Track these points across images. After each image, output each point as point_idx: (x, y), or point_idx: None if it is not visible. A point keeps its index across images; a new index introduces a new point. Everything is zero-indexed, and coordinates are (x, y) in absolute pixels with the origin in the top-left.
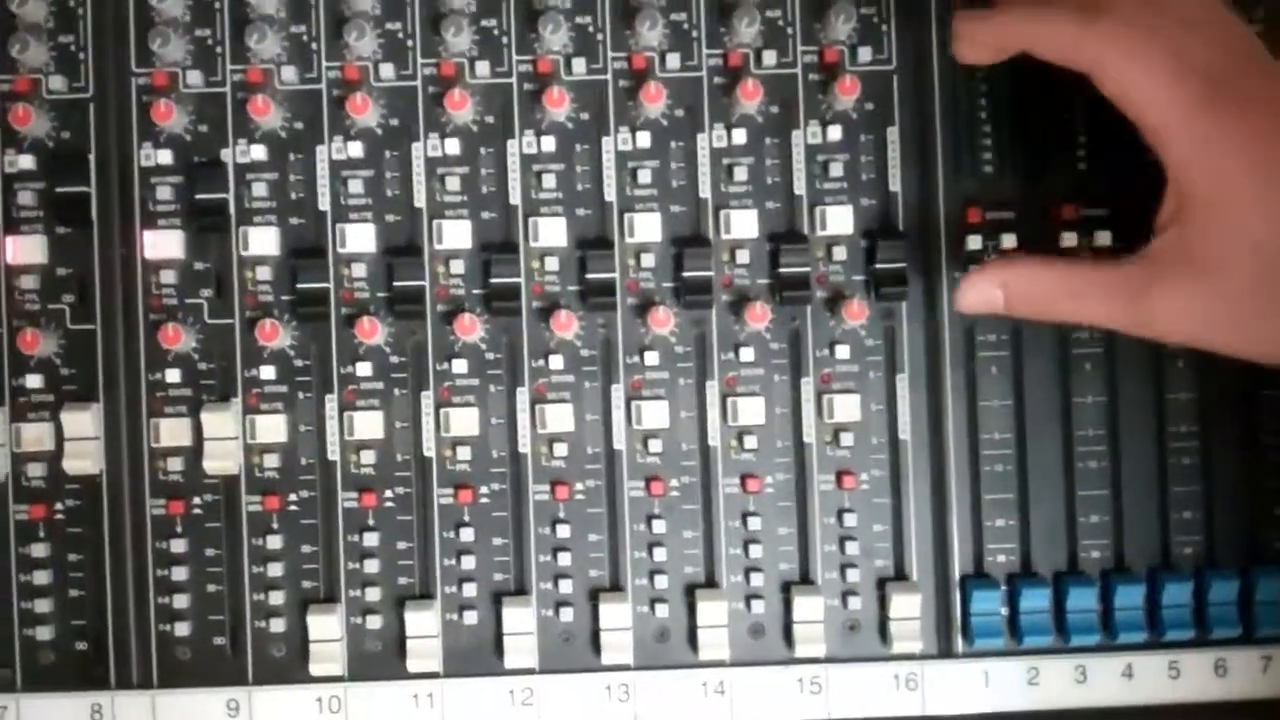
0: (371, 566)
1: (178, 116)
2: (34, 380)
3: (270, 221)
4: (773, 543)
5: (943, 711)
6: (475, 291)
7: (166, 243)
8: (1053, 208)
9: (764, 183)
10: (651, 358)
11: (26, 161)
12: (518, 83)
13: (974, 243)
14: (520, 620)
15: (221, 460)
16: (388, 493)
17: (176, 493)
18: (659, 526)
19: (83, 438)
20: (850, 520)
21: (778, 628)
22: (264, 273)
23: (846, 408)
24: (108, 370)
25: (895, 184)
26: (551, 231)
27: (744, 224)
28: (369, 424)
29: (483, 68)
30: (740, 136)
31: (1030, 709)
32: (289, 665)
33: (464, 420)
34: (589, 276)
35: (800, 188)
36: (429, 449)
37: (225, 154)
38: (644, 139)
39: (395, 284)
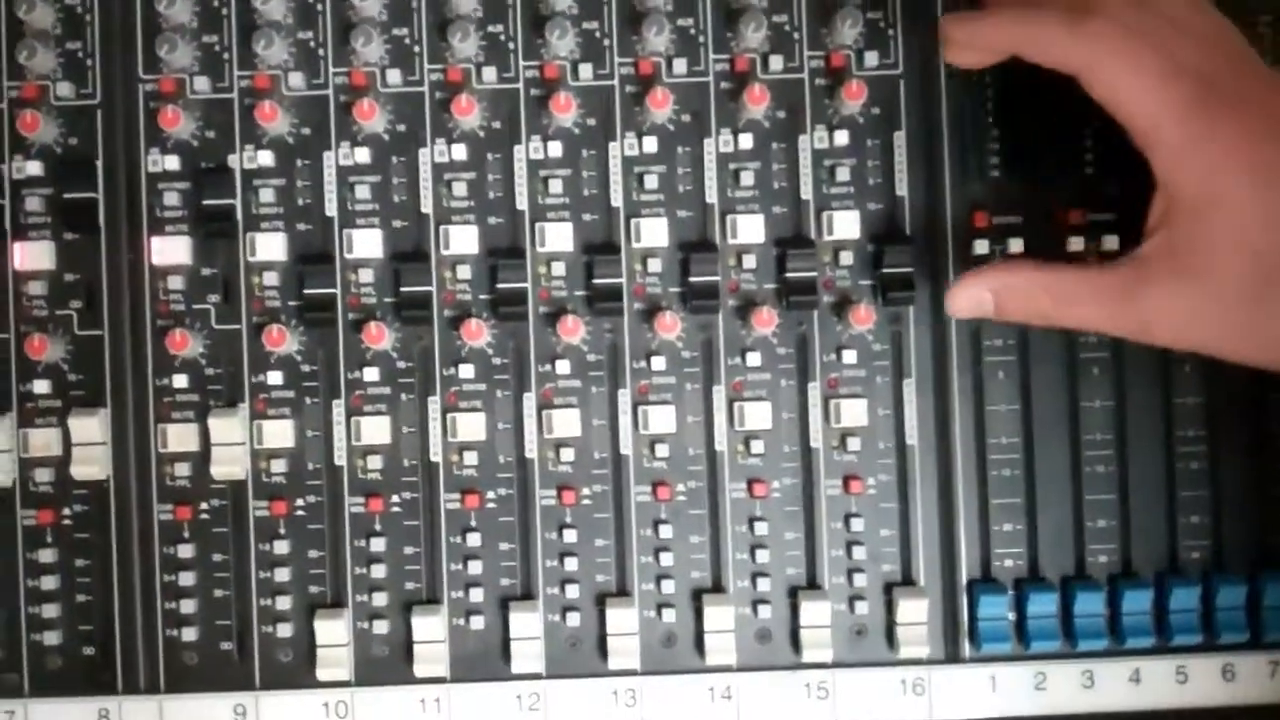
0: (378, 571)
1: (185, 122)
2: (41, 386)
3: (277, 227)
4: (780, 547)
5: (950, 716)
6: (483, 297)
7: (174, 248)
8: (1059, 212)
9: (770, 188)
10: (658, 363)
11: (34, 168)
12: (524, 88)
13: (981, 247)
14: (527, 625)
15: (229, 465)
16: (394, 498)
17: (184, 498)
18: (665, 531)
19: (90, 443)
20: (857, 525)
21: (785, 633)
22: (271, 278)
23: (853, 412)
24: (115, 376)
25: (902, 188)
26: (558, 237)
27: (751, 229)
28: (376, 429)
29: (489, 73)
30: (747, 141)
31: (1038, 714)
32: (296, 670)
33: (471, 425)
34: (596, 282)
35: (807, 193)
36: (436, 454)
37: (232, 160)
38: (650, 144)
39: (402, 289)
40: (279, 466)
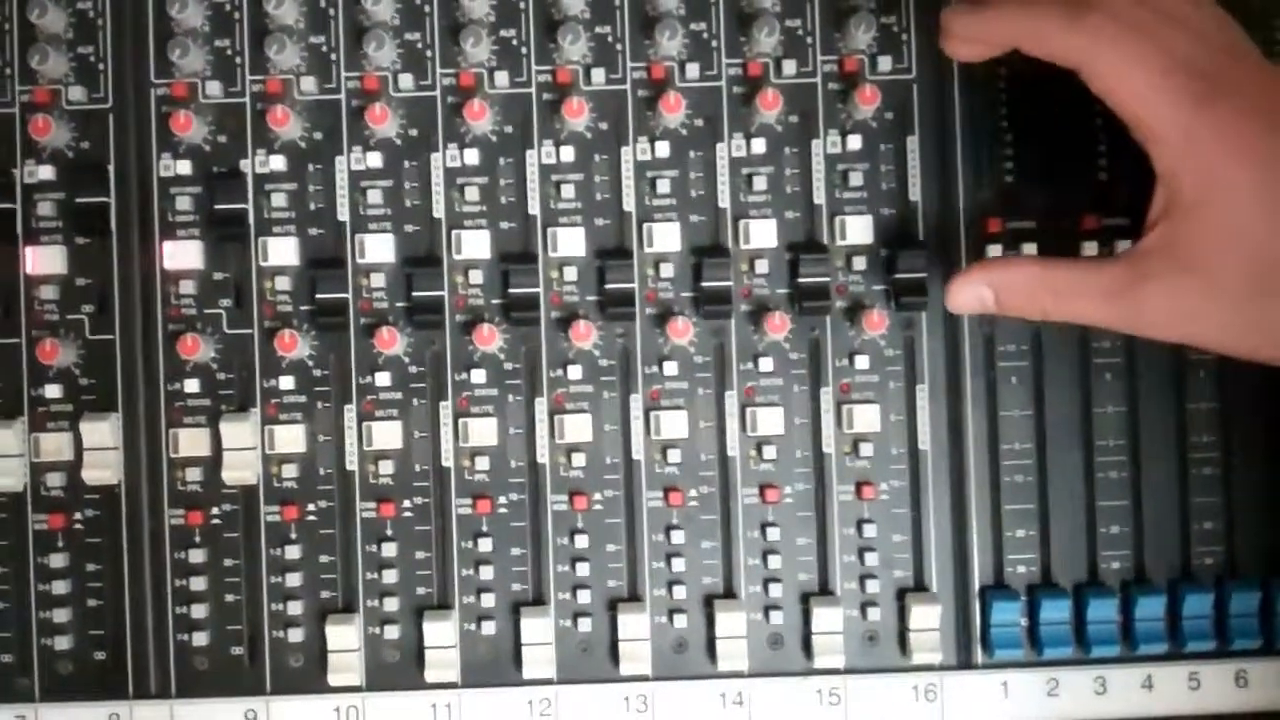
0: (390, 576)
1: (197, 127)
2: (53, 390)
3: (289, 232)
4: (792, 553)
5: None
6: (494, 301)
7: (185, 253)
8: (1073, 217)
9: (783, 192)
10: (670, 368)
11: (46, 172)
12: (537, 93)
13: (994, 252)
14: (539, 630)
15: (240, 470)
16: (406, 503)
17: (195, 503)
18: (678, 537)
19: (102, 448)
20: (870, 531)
21: (797, 638)
22: (283, 283)
23: (866, 418)
24: (127, 380)
25: (915, 193)
26: (570, 241)
27: (763, 234)
28: (387, 434)
29: (502, 78)
30: (760, 146)
31: None
32: (307, 675)
33: (482, 430)
34: (608, 286)
35: (820, 197)
36: (447, 459)
37: (244, 164)
38: (663, 149)
39: (414, 294)
40: (290, 471)
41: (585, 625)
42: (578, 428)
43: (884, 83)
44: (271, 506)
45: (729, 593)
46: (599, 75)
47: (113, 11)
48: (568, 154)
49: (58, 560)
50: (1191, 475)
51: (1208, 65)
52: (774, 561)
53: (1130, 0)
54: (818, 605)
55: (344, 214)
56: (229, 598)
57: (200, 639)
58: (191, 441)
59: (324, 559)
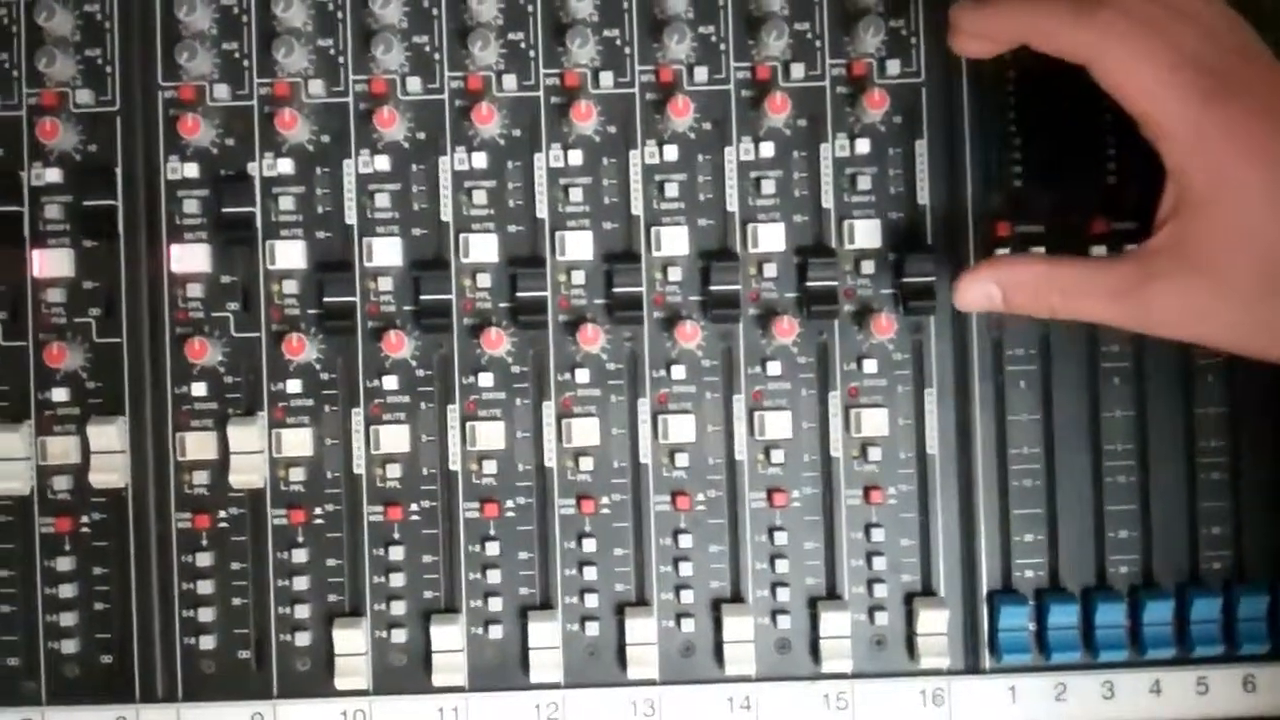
0: (397, 580)
1: (205, 130)
2: (60, 394)
3: (297, 235)
4: (799, 557)
5: None
6: (502, 305)
7: (193, 256)
8: (1082, 221)
9: (792, 196)
10: (678, 371)
11: (53, 175)
12: (544, 96)
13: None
14: (546, 634)
15: (247, 474)
16: (413, 506)
17: (202, 506)
18: (685, 541)
19: (109, 451)
20: (877, 535)
21: (804, 643)
22: (290, 286)
23: (874, 422)
24: (134, 384)
25: (924, 197)
26: (579, 245)
27: (771, 238)
28: (395, 438)
29: (510, 81)
30: (768, 150)
31: None
32: (314, 679)
33: (490, 434)
34: (616, 290)
35: (828, 201)
36: (455, 463)
37: (252, 167)
38: (671, 152)
39: (422, 298)
40: (297, 475)
41: (593, 629)
42: (585, 431)
43: (892, 86)
44: (279, 510)
45: (736, 597)
46: (607, 78)
47: (120, 14)
48: (576, 157)
49: (64, 563)
50: (1200, 479)
51: (1217, 63)
52: (781, 565)
53: None
54: (825, 609)
55: (352, 217)
56: (236, 601)
57: (207, 642)
58: (198, 445)
59: (331, 562)
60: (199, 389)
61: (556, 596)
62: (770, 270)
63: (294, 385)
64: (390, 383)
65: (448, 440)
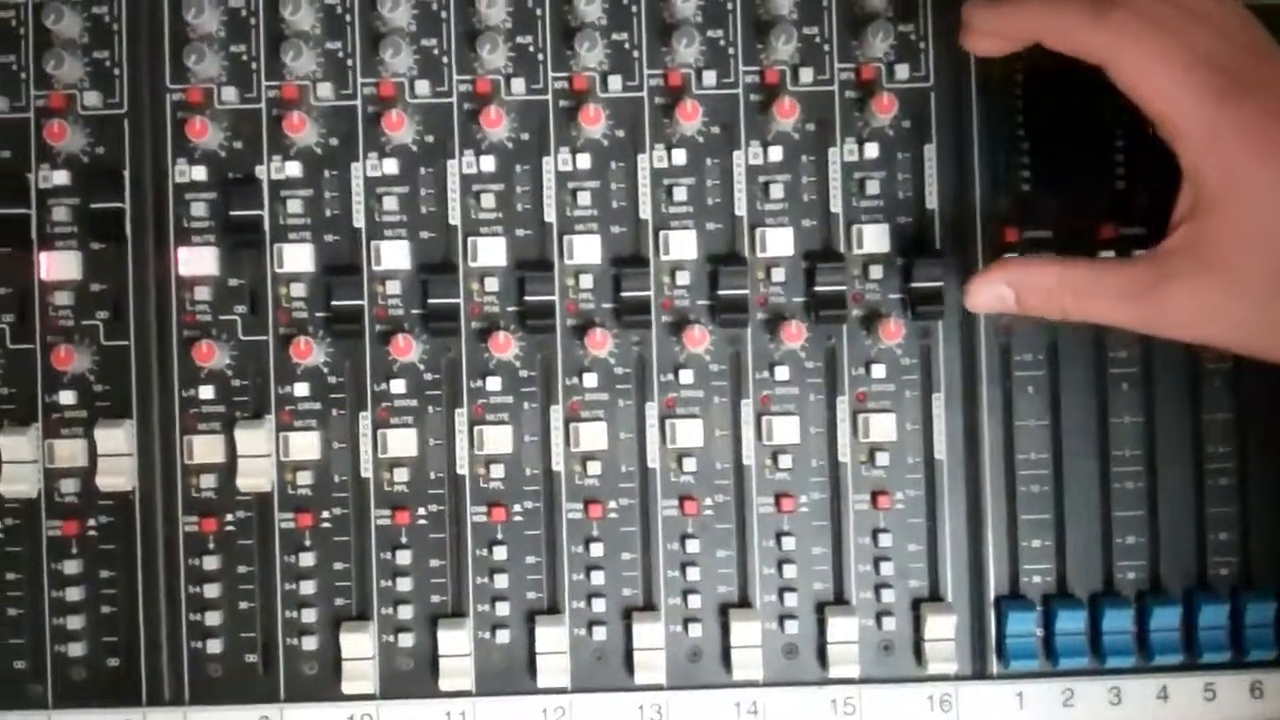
0: (404, 584)
1: (212, 133)
2: (67, 396)
3: (305, 238)
4: (807, 562)
5: None
6: (509, 309)
7: (201, 259)
8: (1090, 226)
9: (800, 200)
10: (686, 376)
11: (61, 177)
12: (553, 100)
13: None
14: (553, 639)
15: (254, 477)
16: (420, 510)
17: (209, 510)
18: (692, 546)
19: (116, 454)
20: (885, 540)
21: (812, 648)
22: (298, 289)
23: (882, 427)
24: (141, 387)
25: (932, 202)
26: (586, 249)
27: (779, 242)
28: (402, 441)
29: (518, 85)
30: (776, 154)
31: None
32: (321, 683)
33: (498, 438)
34: (623, 294)
35: (836, 206)
36: (462, 467)
37: (260, 170)
38: (680, 156)
39: (430, 301)
40: (305, 478)
41: (600, 634)
42: (593, 436)
43: (901, 91)
44: (286, 513)
45: (744, 602)
46: (615, 82)
47: (128, 17)
48: (584, 161)
49: (71, 567)
50: (1207, 485)
51: (1230, 61)
52: (789, 571)
53: None
54: (833, 615)
55: (359, 220)
56: (243, 605)
57: (214, 646)
58: (206, 448)
59: (338, 566)
60: (206, 392)
61: (564, 601)
62: (778, 275)
63: (302, 388)
64: (398, 386)
65: (455, 444)
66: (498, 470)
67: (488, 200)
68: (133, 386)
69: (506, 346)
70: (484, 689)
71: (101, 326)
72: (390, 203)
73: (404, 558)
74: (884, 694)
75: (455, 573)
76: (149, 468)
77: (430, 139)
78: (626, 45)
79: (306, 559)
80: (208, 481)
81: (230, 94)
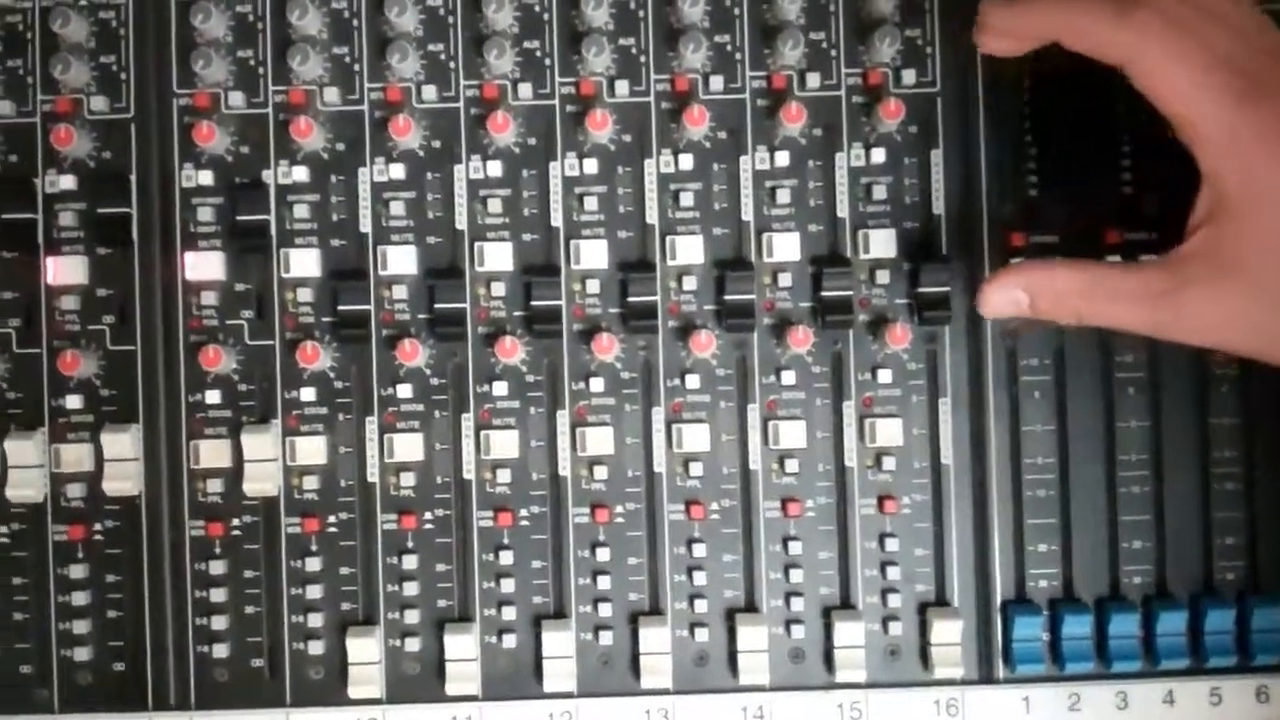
0: (411, 589)
1: (219, 137)
2: (74, 401)
3: (311, 243)
4: (813, 567)
5: None
6: (516, 314)
7: (207, 264)
8: (1097, 231)
9: (807, 205)
10: (693, 381)
11: (68, 182)
12: (560, 105)
13: None
14: (559, 643)
15: (261, 482)
16: (427, 515)
17: (215, 514)
18: (699, 550)
19: (122, 459)
20: (891, 545)
21: (818, 652)
22: (305, 294)
23: (888, 432)
24: (148, 391)
25: (939, 207)
26: (593, 254)
27: (786, 247)
28: (409, 446)
29: (525, 90)
30: (783, 159)
31: None
32: (327, 687)
33: (504, 443)
34: (630, 299)
35: (843, 211)
36: (469, 471)
37: (267, 175)
38: (686, 161)
39: (436, 306)
40: (311, 483)
41: (606, 638)
42: (599, 440)
43: (908, 96)
44: (292, 518)
45: (750, 606)
46: (623, 87)
47: (135, 21)
48: (591, 166)
49: (78, 571)
50: (1214, 490)
51: (1248, 63)
52: (795, 575)
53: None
54: (839, 619)
55: (366, 225)
56: (249, 610)
57: (220, 651)
58: (212, 453)
59: (345, 571)
60: (213, 397)
61: (570, 605)
62: (785, 280)
63: (308, 393)
64: (404, 391)
65: (461, 449)
66: (504, 475)
67: (494, 205)
68: (139, 391)
69: (513, 351)
70: (490, 693)
71: (108, 331)
72: (397, 207)
73: (410, 562)
74: (890, 698)
75: (461, 577)
76: (155, 472)
77: (437, 144)
78: (634, 50)
79: (313, 563)
80: (214, 486)
81: (237, 99)
